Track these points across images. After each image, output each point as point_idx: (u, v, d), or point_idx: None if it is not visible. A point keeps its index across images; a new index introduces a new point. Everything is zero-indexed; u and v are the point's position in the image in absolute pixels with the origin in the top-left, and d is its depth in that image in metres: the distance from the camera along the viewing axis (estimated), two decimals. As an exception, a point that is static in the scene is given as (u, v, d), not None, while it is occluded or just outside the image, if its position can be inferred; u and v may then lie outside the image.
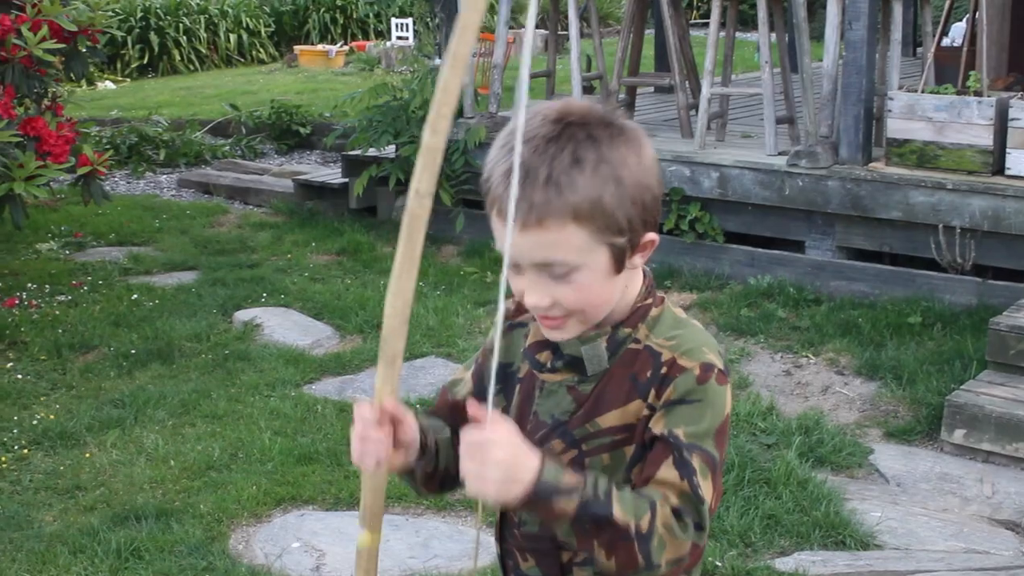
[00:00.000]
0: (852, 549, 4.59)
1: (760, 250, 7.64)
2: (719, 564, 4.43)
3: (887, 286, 7.08)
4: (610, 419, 1.99)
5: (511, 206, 1.75)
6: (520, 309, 2.15)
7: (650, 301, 2.03)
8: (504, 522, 2.16)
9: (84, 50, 7.70)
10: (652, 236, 1.96)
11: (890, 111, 6.99)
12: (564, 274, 1.88)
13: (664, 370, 1.95)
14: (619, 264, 1.91)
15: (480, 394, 2.16)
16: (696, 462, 1.90)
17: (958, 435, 5.39)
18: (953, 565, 4.48)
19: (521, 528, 2.11)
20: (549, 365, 2.05)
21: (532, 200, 1.82)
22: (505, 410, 2.13)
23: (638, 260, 1.96)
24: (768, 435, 5.49)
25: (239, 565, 4.49)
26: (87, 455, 5.43)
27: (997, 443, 5.32)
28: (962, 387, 5.60)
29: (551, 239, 1.84)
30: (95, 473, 5.27)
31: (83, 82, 16.36)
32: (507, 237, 1.80)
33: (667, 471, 1.90)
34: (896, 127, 6.97)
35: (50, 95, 7.69)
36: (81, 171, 7.34)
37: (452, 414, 2.20)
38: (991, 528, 4.84)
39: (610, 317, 2.00)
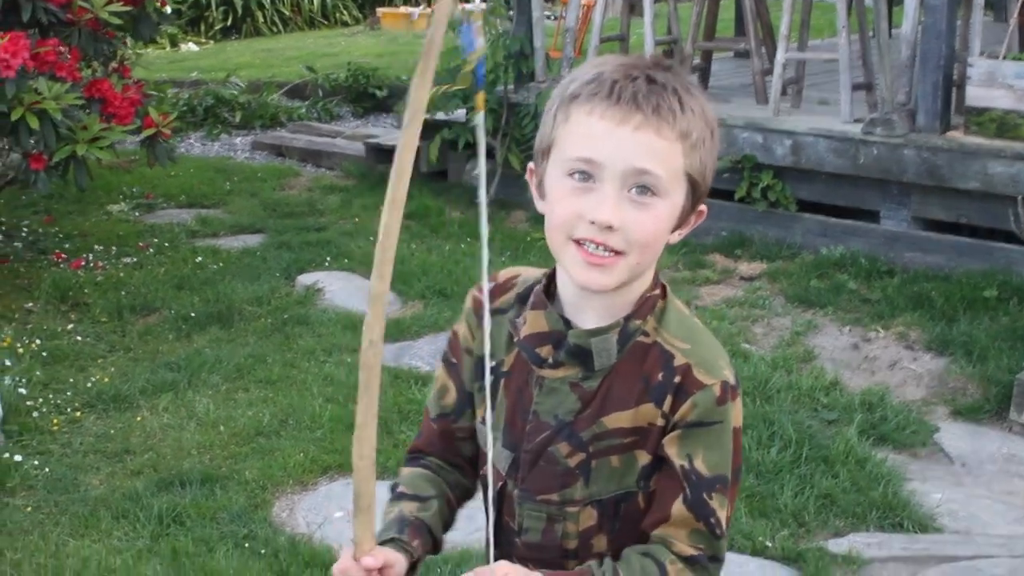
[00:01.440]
0: (910, 532, 4.44)
1: (833, 219, 7.43)
2: (769, 544, 4.30)
3: (963, 259, 6.85)
4: (619, 420, 1.90)
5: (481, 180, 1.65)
6: (494, 293, 2.04)
7: (657, 292, 1.94)
8: (500, 528, 2.04)
9: (152, 12, 7.64)
10: (703, 207, 1.92)
11: (970, 78, 6.75)
12: (649, 195, 1.79)
13: (679, 379, 1.87)
14: (684, 215, 1.86)
15: (465, 403, 2.08)
16: (715, 499, 1.86)
17: (1028, 415, 5.20)
18: (1015, 551, 4.31)
19: (523, 536, 2.01)
20: (551, 360, 1.93)
21: (658, 102, 1.78)
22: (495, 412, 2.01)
23: (677, 235, 1.90)
24: (830, 411, 5.33)
25: (280, 534, 4.44)
26: (138, 419, 5.41)
27: (1069, 424, 5.12)
28: (1034, 365, 5.40)
29: (660, 147, 1.78)
30: (145, 437, 5.26)
31: (166, 44, 16.49)
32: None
33: (682, 511, 1.86)
34: (976, 95, 6.73)
35: (118, 57, 7.66)
36: (146, 133, 7.31)
37: (444, 443, 2.13)
38: (1058, 513, 4.65)
39: (619, 307, 1.90)
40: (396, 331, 6.45)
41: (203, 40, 17.92)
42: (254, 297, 6.90)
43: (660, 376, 1.87)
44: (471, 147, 8.75)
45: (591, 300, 1.90)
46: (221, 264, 7.55)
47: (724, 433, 1.86)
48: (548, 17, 9.73)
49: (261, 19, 18.73)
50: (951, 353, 5.90)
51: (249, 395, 5.63)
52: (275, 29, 18.87)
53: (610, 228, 1.78)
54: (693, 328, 1.93)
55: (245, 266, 7.51)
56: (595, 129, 1.79)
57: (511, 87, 8.72)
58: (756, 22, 8.34)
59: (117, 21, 7.14)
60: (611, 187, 1.78)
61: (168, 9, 8.13)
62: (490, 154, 8.86)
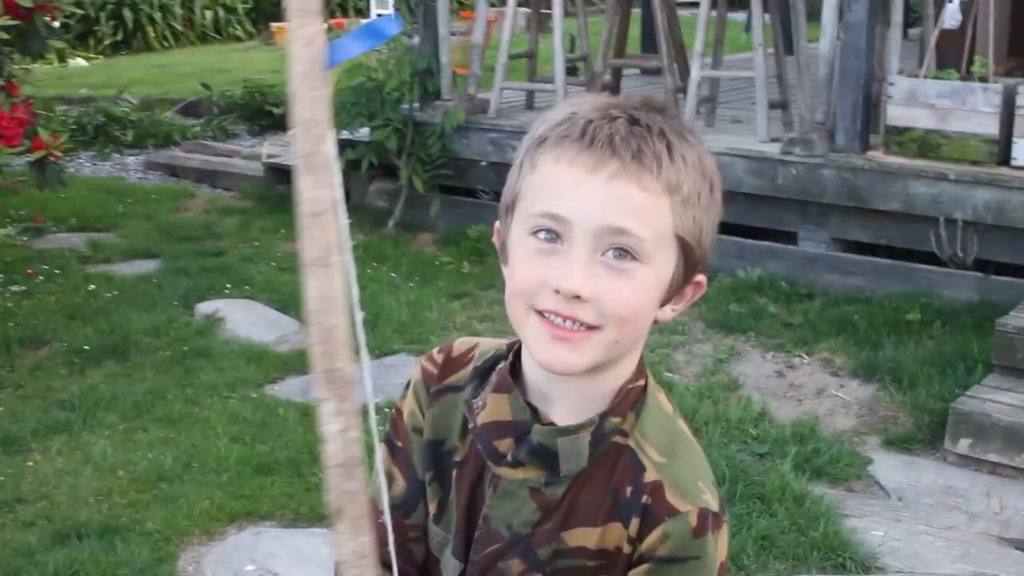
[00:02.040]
0: (853, 572, 4.24)
1: (750, 241, 7.26)
2: (709, 591, 4.07)
3: (883, 280, 6.72)
4: (581, 537, 1.58)
5: None
6: (447, 367, 1.73)
7: (641, 383, 1.62)
8: None
9: (41, 27, 7.26)
10: (703, 277, 1.61)
11: (890, 97, 6.62)
12: (628, 260, 1.48)
13: (647, 498, 1.56)
14: (674, 288, 1.56)
15: (417, 495, 1.73)
16: None
17: (963, 445, 5.04)
18: (962, 592, 4.14)
19: None
20: (509, 457, 1.60)
21: (640, 146, 1.48)
22: (442, 503, 1.69)
23: (669, 311, 1.59)
24: (760, 443, 5.14)
25: (187, 591, 4.13)
26: (30, 463, 5.05)
27: (1005, 454, 4.98)
28: (967, 393, 5.25)
29: (641, 202, 1.48)
30: (37, 484, 4.90)
31: (54, 59, 15.96)
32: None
33: None
34: (896, 114, 6.61)
35: (4, 74, 7.26)
36: (36, 155, 6.94)
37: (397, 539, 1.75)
38: (1000, 548, 4.50)
39: (596, 398, 1.59)
40: (302, 363, 6.14)
41: (92, 55, 17.41)
42: (151, 327, 6.55)
43: (629, 490, 1.57)
44: (375, 168, 8.46)
45: (562, 387, 1.59)
46: (115, 292, 7.18)
47: (701, 572, 1.55)
48: (451, 33, 9.49)
49: (152, 34, 18.27)
50: (879, 379, 5.74)
51: (149, 435, 5.29)
52: (167, 44, 18.42)
53: (578, 299, 1.47)
54: (674, 435, 1.62)
55: (141, 294, 7.15)
56: (563, 179, 1.49)
57: (416, 105, 8.46)
58: (668, 39, 8.16)
59: (4, 36, 6.76)
60: (581, 249, 1.48)
61: (57, 23, 7.73)
62: (395, 174, 8.60)
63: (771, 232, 7.30)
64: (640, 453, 1.57)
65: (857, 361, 5.94)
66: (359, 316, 1.37)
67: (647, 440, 1.58)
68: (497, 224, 1.63)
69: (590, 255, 1.48)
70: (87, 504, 4.71)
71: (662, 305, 1.57)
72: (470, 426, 1.65)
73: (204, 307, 6.92)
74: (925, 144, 6.52)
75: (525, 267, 1.52)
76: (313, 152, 1.27)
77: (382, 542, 1.66)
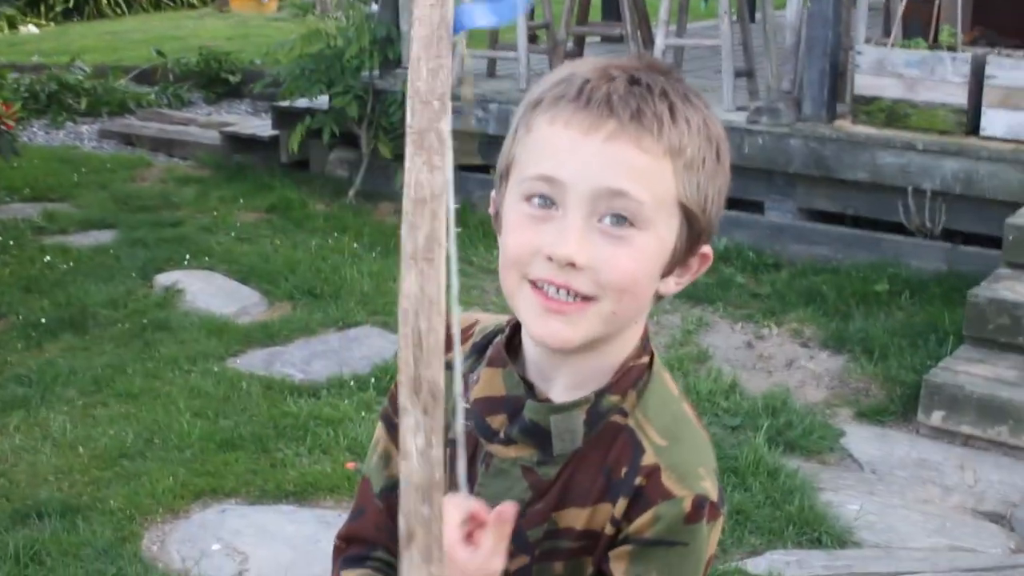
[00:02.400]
0: (829, 547, 4.20)
1: (716, 211, 7.19)
2: (685, 568, 4.01)
3: (850, 250, 6.68)
4: (572, 518, 1.50)
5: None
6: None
7: (644, 360, 1.53)
8: None
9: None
10: (708, 249, 1.53)
11: (858, 66, 6.57)
12: (626, 226, 1.40)
13: (641, 480, 1.47)
14: (677, 258, 1.47)
15: None
16: None
17: (936, 417, 5.00)
18: (938, 566, 4.10)
19: None
20: (502, 434, 1.52)
21: (640, 106, 1.39)
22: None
23: (673, 283, 1.52)
24: (732, 416, 5.09)
25: (152, 571, 4.03)
26: (-13, 440, 4.93)
27: (978, 426, 4.94)
28: (939, 365, 5.20)
29: (642, 164, 1.39)
30: (-5, 461, 4.78)
31: (4, 26, 15.69)
32: None
33: None
34: (864, 83, 6.55)
35: (-46, 40, 7.09)
36: (-13, 124, 6.77)
37: (393, 524, 1.72)
38: (975, 521, 4.47)
39: (595, 374, 1.50)
40: (265, 336, 6.04)
41: (43, 22, 17.11)
42: (109, 300, 6.41)
43: (624, 471, 1.48)
44: (335, 137, 8.34)
45: (559, 363, 1.51)
46: (71, 264, 7.02)
47: (687, 559, 1.46)
48: None
49: (104, 0, 17.97)
50: (849, 351, 5.70)
51: (109, 411, 5.17)
52: (119, 11, 18.12)
53: (573, 266, 1.39)
54: (678, 418, 1.55)
55: (98, 265, 7.01)
56: (558, 140, 1.41)
57: (376, 73, 8.34)
58: (631, 6, 8.07)
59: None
60: (576, 214, 1.40)
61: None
62: (355, 143, 8.48)
63: (737, 202, 7.22)
64: (640, 434, 1.49)
65: (827, 332, 5.90)
66: (456, 317, 1.24)
67: (648, 421, 1.51)
68: (493, 193, 1.56)
69: (586, 220, 1.40)
70: (47, 482, 4.59)
71: (664, 276, 1.49)
72: (466, 406, 1.54)
73: (163, 279, 6.78)
74: (893, 114, 6.47)
75: (517, 234, 1.44)
76: (427, 129, 1.14)
77: (378, 526, 1.66)
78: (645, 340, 1.54)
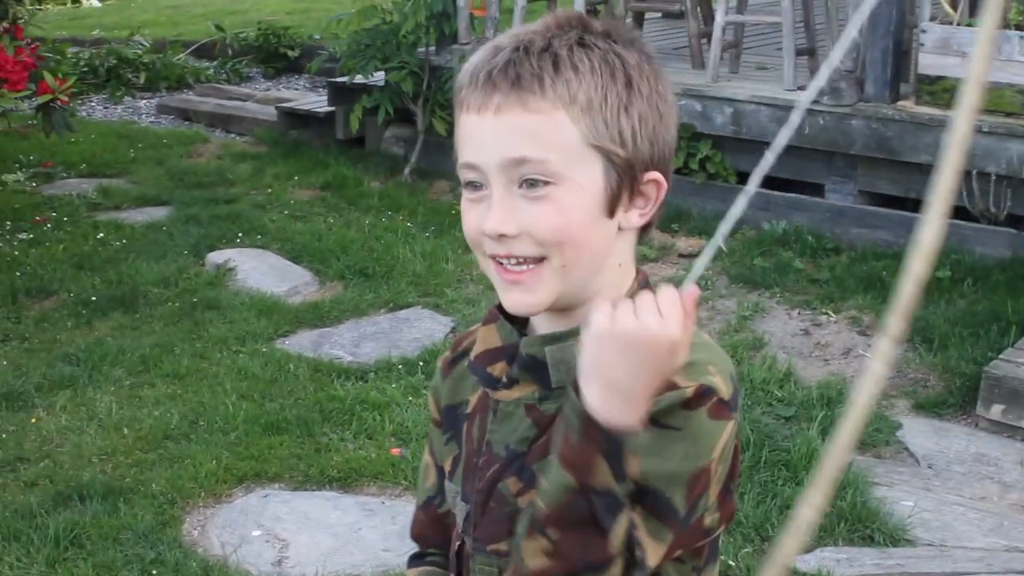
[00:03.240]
0: (881, 545, 4.08)
1: (776, 193, 7.04)
2: (732, 564, 3.92)
3: (912, 234, 6.49)
4: None
5: None
6: (460, 341, 1.71)
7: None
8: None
9: (46, -33, 7.07)
10: (657, 176, 1.51)
11: (922, 45, 6.39)
12: (541, 186, 1.44)
13: None
14: (615, 196, 1.48)
15: (443, 479, 1.71)
16: (627, 517, 1.37)
17: (996, 411, 4.86)
18: (993, 567, 3.97)
19: None
20: (505, 379, 1.56)
21: (518, 71, 1.44)
22: (456, 459, 1.65)
23: (635, 216, 1.51)
24: (786, 406, 4.97)
25: (191, 557, 3.99)
26: (33, 420, 4.93)
27: (1040, 420, 4.80)
28: (1000, 356, 5.05)
29: (532, 124, 1.43)
30: (41, 442, 4.77)
31: (67, 0, 15.75)
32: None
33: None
34: (928, 63, 6.38)
35: (10, 17, 7.08)
36: (41, 99, 6.76)
37: (439, 531, 1.77)
38: (1035, 520, 4.33)
39: (574, 306, 1.51)
40: (315, 316, 6.00)
41: (105, -5, 17.18)
42: (160, 278, 6.40)
43: None
44: (390, 114, 8.27)
45: (552, 323, 1.54)
46: (124, 241, 7.02)
47: (679, 443, 1.40)
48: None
49: (166, -27, 17.99)
50: (908, 340, 5.55)
51: (156, 391, 5.15)
52: (181, -17, 18.14)
53: (505, 236, 1.45)
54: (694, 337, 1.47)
55: (151, 243, 7.00)
56: (465, 127, 1.49)
57: (432, 49, 8.26)
58: (692, -18, 7.92)
59: (7, -22, 6.59)
60: (497, 188, 1.46)
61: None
62: (411, 120, 8.41)
63: (797, 183, 7.09)
64: None
65: (885, 320, 5.75)
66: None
67: None
68: None
69: (506, 191, 1.45)
70: (91, 464, 4.57)
71: (611, 214, 1.48)
72: (467, 364, 1.64)
73: (215, 257, 6.77)
74: (958, 94, 6.28)
75: (465, 220, 1.51)
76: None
77: (423, 533, 1.78)
78: (643, 283, 1.54)
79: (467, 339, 1.70)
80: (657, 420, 1.38)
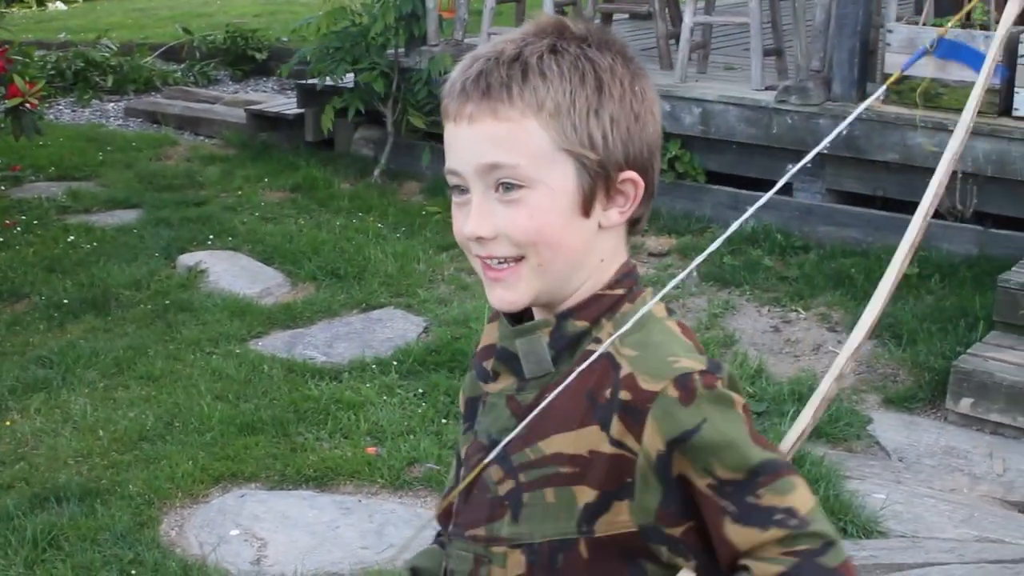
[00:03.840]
0: (854, 537, 4.14)
1: (744, 192, 7.10)
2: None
3: (880, 232, 6.58)
4: (556, 444, 1.54)
5: None
6: (487, 335, 1.74)
7: (620, 291, 1.58)
8: None
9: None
10: (633, 175, 1.56)
11: (889, 45, 6.46)
12: (514, 190, 1.51)
13: (626, 395, 1.49)
14: (588, 197, 1.54)
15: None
16: (767, 494, 1.46)
17: (964, 404, 4.93)
18: (965, 556, 4.02)
19: None
20: (491, 372, 1.65)
21: (488, 81, 1.52)
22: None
23: (615, 214, 1.56)
24: (758, 401, 5.02)
25: (170, 557, 4.00)
26: (8, 423, 4.93)
27: (1007, 414, 4.87)
28: (968, 351, 5.13)
29: (503, 132, 1.51)
30: (15, 444, 4.77)
31: (32, 2, 15.68)
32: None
33: (742, 534, 1.46)
34: (894, 62, 6.42)
35: (-22, 19, 7.07)
36: (11, 103, 6.75)
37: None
38: (1004, 512, 4.41)
39: (558, 302, 1.57)
40: (287, 317, 6.02)
41: (71, -2, 17.11)
42: (132, 280, 6.40)
43: (608, 393, 1.51)
44: (360, 114, 8.29)
45: (538, 313, 1.61)
46: (95, 243, 7.01)
47: (720, 425, 1.48)
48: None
49: (132, -24, 17.93)
50: (877, 336, 5.61)
51: (130, 393, 5.16)
52: (147, -13, 18.08)
53: (483, 239, 1.53)
54: (651, 329, 1.55)
55: (121, 245, 7.00)
56: (447, 136, 1.57)
57: (402, 50, 8.28)
58: (660, -17, 7.97)
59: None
60: (476, 194, 1.54)
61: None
62: (380, 121, 8.43)
63: (765, 182, 7.14)
64: (617, 356, 1.52)
65: (855, 316, 5.77)
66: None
67: (624, 344, 1.53)
68: None
69: (484, 196, 1.52)
70: (66, 466, 4.58)
71: (587, 214, 1.54)
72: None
73: (186, 259, 6.77)
74: (924, 94, 6.36)
75: (454, 224, 1.58)
76: None
77: (441, 519, 1.78)
78: (623, 275, 1.59)
79: (489, 334, 1.76)
80: (688, 431, 1.47)
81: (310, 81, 8.79)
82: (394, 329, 5.88)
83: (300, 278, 6.58)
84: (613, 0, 8.78)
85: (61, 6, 16.41)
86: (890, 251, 5.67)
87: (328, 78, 8.35)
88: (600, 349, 1.51)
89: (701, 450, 1.47)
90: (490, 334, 1.68)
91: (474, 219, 1.52)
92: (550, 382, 1.55)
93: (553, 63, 1.51)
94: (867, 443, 4.84)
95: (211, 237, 7.13)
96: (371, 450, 4.65)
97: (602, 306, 1.57)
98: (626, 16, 9.90)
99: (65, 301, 6.11)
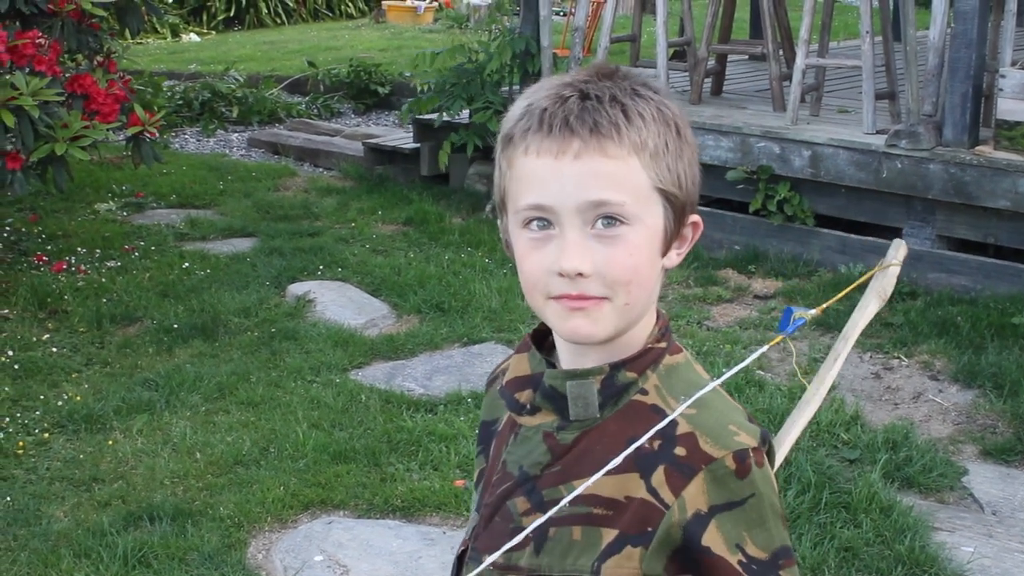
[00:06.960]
0: (938, 590, 4.07)
1: (853, 236, 7.05)
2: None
3: (990, 281, 6.48)
4: (596, 486, 1.55)
5: None
6: (504, 360, 1.81)
7: (664, 345, 1.63)
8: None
9: (139, 2, 7.28)
10: (697, 218, 1.65)
11: (1001, 90, 6.37)
12: (615, 226, 1.53)
13: (682, 451, 1.54)
14: (670, 238, 1.60)
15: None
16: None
17: (1064, 459, 4.83)
18: (1054, 615, 3.94)
19: None
20: (528, 405, 1.66)
21: (595, 119, 1.52)
22: (483, 471, 1.76)
23: (675, 255, 1.63)
24: (851, 448, 4.96)
25: (253, 580, 4.08)
26: (110, 442, 5.06)
27: (1109, 470, 4.75)
28: (1071, 404, 5.02)
29: (612, 170, 1.52)
30: (116, 463, 4.90)
31: (167, 34, 16.13)
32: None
33: None
34: (1008, 107, 6.35)
35: (104, 51, 7.30)
36: (131, 131, 6.96)
37: None
38: (1099, 571, 4.28)
39: (611, 353, 1.60)
40: (389, 349, 6.10)
41: (205, 31, 17.57)
42: (241, 308, 6.55)
43: (657, 444, 1.54)
44: (477, 151, 8.39)
45: (588, 353, 1.63)
46: (209, 271, 7.19)
47: (762, 503, 1.54)
48: (557, 13, 9.36)
49: (265, 10, 18.40)
50: (979, 385, 5.53)
51: (230, 418, 5.27)
52: (279, 21, 18.52)
53: (581, 275, 1.53)
54: (692, 382, 1.62)
55: (234, 273, 7.16)
56: (536, 170, 1.54)
57: (516, 88, 8.37)
58: (774, 24, 7.96)
59: (102, 12, 6.79)
60: (571, 229, 1.53)
61: None
62: (491, 156, 8.50)
63: (874, 227, 7.09)
64: (665, 408, 1.58)
65: (958, 365, 5.73)
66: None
67: (673, 398, 1.59)
68: (499, 221, 1.69)
69: (580, 231, 1.53)
70: (162, 486, 4.69)
71: (665, 255, 1.61)
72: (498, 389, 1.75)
73: (296, 288, 6.90)
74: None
75: (528, 260, 1.57)
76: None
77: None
78: (664, 329, 1.65)
79: (507, 362, 1.79)
80: (732, 501, 1.53)
81: (427, 117, 8.92)
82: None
83: (405, 310, 6.66)
84: (728, 41, 8.77)
85: (195, 38, 16.85)
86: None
87: (446, 115, 8.48)
88: (670, 416, 1.54)
89: (740, 523, 1.52)
90: (519, 366, 1.70)
91: (577, 255, 1.52)
92: (591, 426, 1.59)
93: (644, 106, 1.55)
94: (960, 495, 4.75)
95: (321, 267, 7.26)
96: (459, 483, 4.70)
97: (649, 359, 1.61)
98: (743, 57, 9.88)
99: (175, 326, 6.27)
